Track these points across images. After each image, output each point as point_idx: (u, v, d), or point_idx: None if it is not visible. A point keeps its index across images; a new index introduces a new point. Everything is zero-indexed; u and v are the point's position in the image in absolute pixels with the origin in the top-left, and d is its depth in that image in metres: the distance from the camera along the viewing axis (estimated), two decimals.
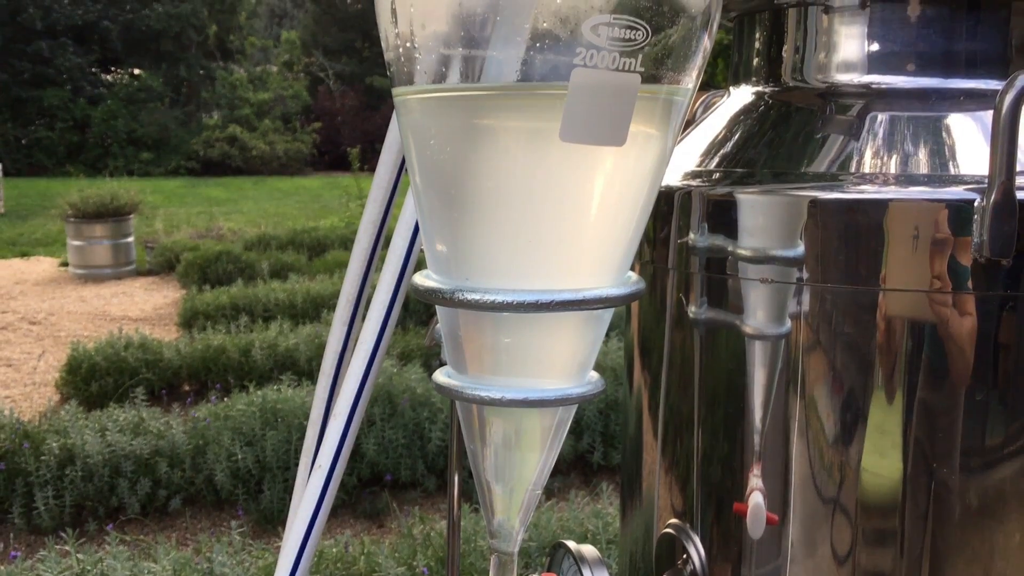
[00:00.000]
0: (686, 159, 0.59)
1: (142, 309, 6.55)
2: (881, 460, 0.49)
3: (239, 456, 3.22)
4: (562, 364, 0.38)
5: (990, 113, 0.45)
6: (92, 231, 7.74)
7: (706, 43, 0.34)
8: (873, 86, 0.53)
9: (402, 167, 0.55)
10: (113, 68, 22.11)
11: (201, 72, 22.46)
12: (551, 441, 0.40)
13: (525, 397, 0.37)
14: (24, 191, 14.17)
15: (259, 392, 3.54)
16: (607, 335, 0.40)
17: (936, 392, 0.47)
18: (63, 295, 7.07)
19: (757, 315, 0.51)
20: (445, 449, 3.38)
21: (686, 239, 0.55)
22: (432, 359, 4.12)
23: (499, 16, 0.31)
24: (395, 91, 0.36)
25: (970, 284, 0.46)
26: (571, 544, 0.59)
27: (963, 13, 0.52)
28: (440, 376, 0.39)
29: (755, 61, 0.60)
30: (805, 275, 0.49)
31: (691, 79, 0.34)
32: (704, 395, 0.55)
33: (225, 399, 3.72)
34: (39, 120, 19.53)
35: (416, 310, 5.07)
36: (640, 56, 0.31)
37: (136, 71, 21.88)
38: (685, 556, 0.56)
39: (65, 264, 8.16)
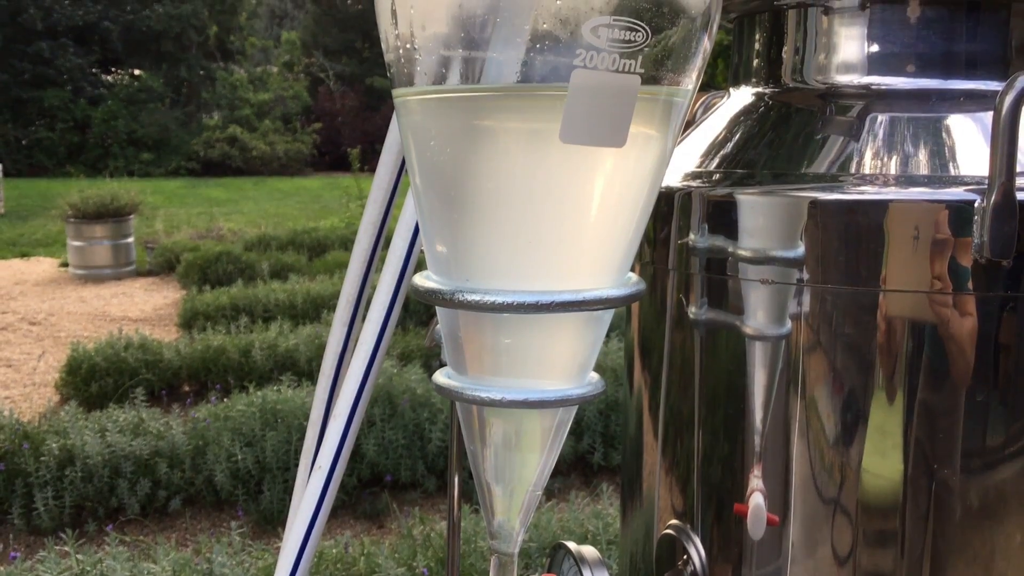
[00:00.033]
0: (686, 160, 0.59)
1: (142, 310, 6.55)
2: (882, 461, 0.49)
3: (239, 457, 3.22)
4: (562, 365, 0.38)
5: (990, 114, 0.45)
6: (92, 232, 7.74)
7: (706, 44, 0.34)
8: (873, 87, 0.53)
9: (402, 168, 0.55)
10: (113, 69, 22.12)
11: (201, 73, 22.47)
12: (551, 442, 0.40)
13: (525, 398, 0.37)
14: (24, 191, 14.18)
15: (259, 393, 3.54)
16: (607, 335, 0.40)
17: (937, 393, 0.47)
18: (63, 295, 7.07)
19: (757, 316, 0.51)
20: (445, 450, 3.38)
21: (686, 240, 0.55)
22: (432, 360, 4.12)
23: (499, 17, 0.31)
24: (395, 92, 0.36)
25: (970, 285, 0.46)
26: (571, 545, 0.59)
27: (963, 14, 0.52)
28: (440, 377, 0.39)
29: (755, 62, 0.60)
30: (805, 276, 0.49)
31: (691, 80, 0.34)
32: (704, 396, 0.55)
33: (225, 400, 3.72)
34: (39, 121, 19.53)
35: (416, 311, 5.07)
36: (640, 57, 0.31)
37: (136, 72, 21.89)
38: (685, 557, 0.56)
39: (65, 265, 8.16)
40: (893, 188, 0.48)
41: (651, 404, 0.61)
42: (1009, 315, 0.46)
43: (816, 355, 0.49)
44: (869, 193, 0.48)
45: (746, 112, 0.58)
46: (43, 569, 2.33)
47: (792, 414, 0.51)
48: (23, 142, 19.09)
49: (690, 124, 0.64)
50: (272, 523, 3.15)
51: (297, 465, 0.77)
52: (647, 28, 0.31)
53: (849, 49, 0.54)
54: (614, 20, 0.30)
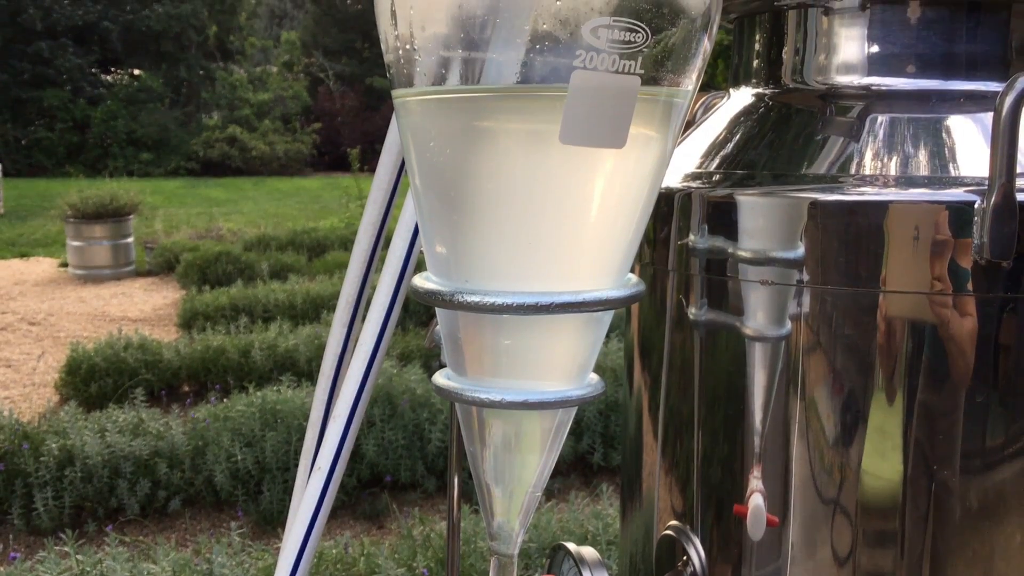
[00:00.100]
0: (686, 160, 0.59)
1: (141, 310, 6.55)
2: (881, 462, 0.49)
3: (239, 457, 3.21)
4: (562, 366, 0.38)
5: (990, 115, 0.45)
6: (92, 232, 7.74)
7: (706, 45, 0.34)
8: (873, 88, 0.53)
9: (402, 169, 0.55)
10: (113, 69, 22.12)
11: (201, 73, 22.47)
12: (551, 443, 0.40)
13: (525, 399, 0.37)
14: (24, 192, 14.17)
15: (259, 393, 3.54)
16: (607, 336, 0.40)
17: (936, 394, 0.47)
18: (63, 296, 7.07)
19: (757, 317, 0.51)
20: (445, 450, 3.38)
21: (686, 241, 0.55)
22: (432, 360, 4.12)
23: (499, 18, 0.31)
24: (395, 93, 0.36)
25: (970, 286, 0.46)
26: (571, 546, 0.59)
27: (963, 15, 0.52)
28: (440, 378, 0.39)
29: (755, 63, 0.60)
30: (805, 277, 0.49)
31: (691, 81, 0.34)
32: (704, 396, 0.55)
33: (225, 400, 3.72)
34: (39, 121, 19.53)
35: (416, 311, 5.07)
36: (640, 58, 0.31)
37: (136, 72, 21.89)
38: (685, 558, 0.56)
39: (65, 265, 8.16)
40: (893, 189, 0.48)
41: (651, 405, 0.61)
42: (1009, 316, 0.46)
43: (816, 356, 0.49)
44: (869, 194, 0.48)
45: (746, 113, 0.58)
46: (43, 569, 2.32)
47: (792, 415, 0.50)
48: (22, 142, 19.09)
49: (690, 125, 0.64)
50: (272, 523, 3.15)
51: (297, 465, 0.77)
52: (647, 29, 0.31)
53: (849, 50, 0.54)
54: (614, 21, 0.30)
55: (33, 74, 19.57)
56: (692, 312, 0.55)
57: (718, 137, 0.59)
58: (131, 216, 8.12)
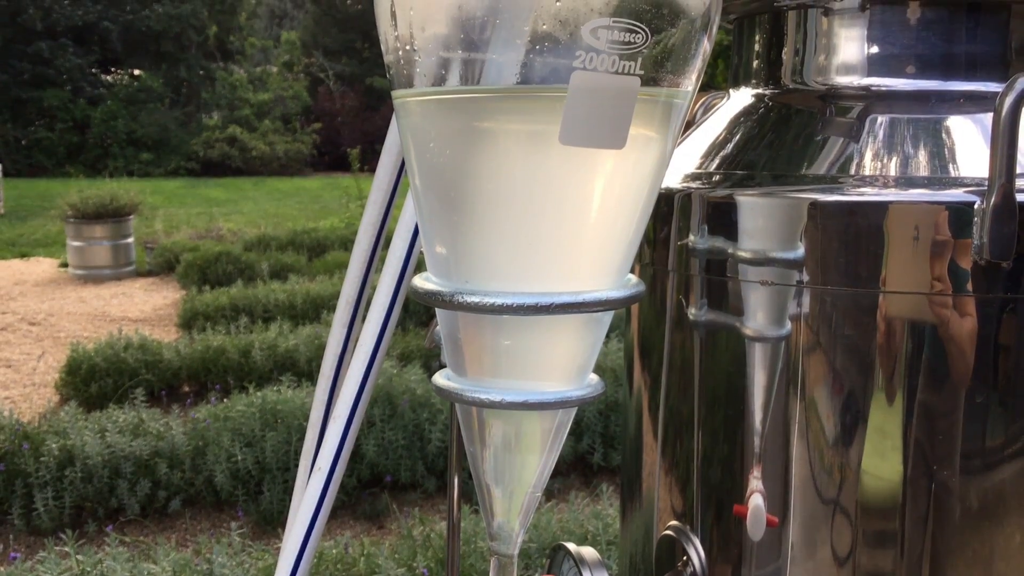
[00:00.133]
0: (686, 161, 0.59)
1: (142, 310, 6.55)
2: (881, 462, 0.49)
3: (239, 457, 3.21)
4: (562, 366, 0.38)
5: (990, 115, 0.45)
6: (92, 232, 7.74)
7: (706, 45, 0.34)
8: (873, 88, 0.53)
9: (402, 169, 0.55)
10: (113, 69, 22.13)
11: (201, 73, 22.47)
12: (551, 443, 0.40)
13: (525, 400, 0.37)
14: (24, 192, 14.17)
15: (259, 393, 3.54)
16: (607, 336, 0.40)
17: (936, 394, 0.47)
18: (63, 296, 7.07)
19: (757, 317, 0.51)
20: (445, 450, 3.38)
21: (686, 241, 0.55)
22: (432, 360, 4.12)
23: (498, 19, 0.31)
24: (395, 94, 0.36)
25: (970, 286, 0.46)
26: (571, 546, 0.59)
27: (963, 15, 0.52)
28: (440, 379, 0.39)
29: (755, 63, 0.60)
30: (805, 277, 0.49)
31: (691, 81, 0.34)
32: (704, 397, 0.55)
33: (225, 400, 3.72)
34: (39, 121, 19.54)
35: (416, 311, 5.07)
36: (640, 59, 0.31)
37: (136, 72, 21.90)
38: (685, 558, 0.56)
39: (65, 265, 8.16)
40: (893, 189, 0.48)
41: (651, 405, 0.61)
42: (1009, 316, 0.46)
43: (816, 356, 0.49)
44: (869, 194, 0.48)
45: (746, 113, 0.58)
46: (43, 569, 2.33)
47: (792, 415, 0.51)
48: (23, 142, 19.09)
49: (690, 125, 0.64)
50: (272, 524, 3.15)
51: (297, 466, 0.77)
52: (647, 29, 0.31)
53: (849, 50, 0.54)
54: (614, 22, 0.30)
55: (33, 74, 19.57)
56: (692, 312, 0.55)
57: (718, 137, 0.59)
58: (131, 216, 8.12)
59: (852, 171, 0.50)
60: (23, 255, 9.10)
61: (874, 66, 0.53)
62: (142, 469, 3.20)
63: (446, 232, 0.36)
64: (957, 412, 0.47)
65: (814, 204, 0.48)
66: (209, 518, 3.23)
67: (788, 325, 0.50)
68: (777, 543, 0.52)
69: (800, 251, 0.49)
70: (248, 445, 3.27)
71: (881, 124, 0.51)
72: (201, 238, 8.62)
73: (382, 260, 0.54)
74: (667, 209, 0.56)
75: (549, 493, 3.29)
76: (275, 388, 3.63)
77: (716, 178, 0.55)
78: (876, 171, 0.49)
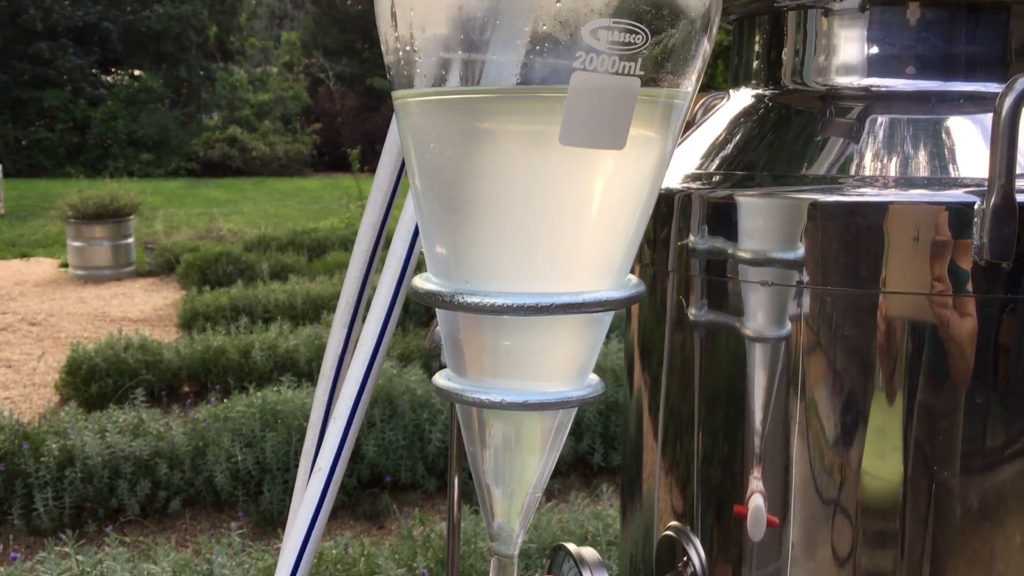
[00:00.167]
0: (686, 161, 0.59)
1: (142, 310, 6.55)
2: (882, 462, 0.49)
3: (239, 457, 3.21)
4: (562, 367, 0.38)
5: (990, 116, 0.45)
6: (92, 232, 7.74)
7: (706, 46, 0.34)
8: (873, 89, 0.53)
9: (402, 170, 0.55)
10: (113, 69, 22.13)
11: (201, 73, 22.47)
12: (551, 444, 0.40)
13: (525, 400, 0.37)
14: (24, 192, 14.17)
15: (259, 393, 3.54)
16: (607, 336, 0.40)
17: (936, 394, 0.47)
18: (63, 296, 7.07)
19: (757, 317, 0.51)
20: (445, 450, 3.38)
21: (686, 241, 0.55)
22: (432, 360, 4.12)
23: (499, 19, 0.31)
24: (395, 94, 0.36)
25: (970, 287, 0.46)
26: (571, 546, 0.59)
27: (962, 16, 0.52)
28: (440, 379, 0.39)
29: (755, 64, 0.60)
30: (805, 278, 0.49)
31: (691, 82, 0.34)
32: (704, 397, 0.55)
33: (225, 400, 3.72)
34: (39, 121, 19.54)
35: (416, 311, 5.07)
36: (640, 59, 0.31)
37: (136, 72, 21.91)
38: (685, 558, 0.56)
39: (65, 265, 8.16)
40: (893, 190, 0.48)
41: (651, 405, 0.61)
42: (1009, 317, 0.46)
43: (816, 357, 0.49)
44: (869, 195, 0.48)
45: (746, 114, 0.58)
46: (43, 570, 2.32)
47: (792, 416, 0.51)
48: (23, 142, 19.10)
49: (690, 125, 0.64)
50: (272, 524, 3.15)
51: (297, 466, 0.77)
52: (647, 30, 0.31)
53: (849, 51, 0.54)
54: (614, 22, 0.30)
55: (33, 75, 19.58)
56: (692, 313, 0.55)
57: (718, 138, 0.59)
58: (131, 217, 8.12)
59: (852, 171, 0.50)
60: (23, 255, 9.10)
61: (874, 67, 0.53)
62: (142, 469, 3.20)
63: (446, 232, 0.36)
64: (957, 412, 0.47)
65: (814, 204, 0.48)
66: (209, 518, 3.23)
67: (788, 325, 0.50)
68: (777, 543, 0.52)
69: (800, 251, 0.49)
70: (248, 445, 3.27)
71: (881, 124, 0.51)
72: (201, 238, 8.62)
73: (382, 260, 0.54)
74: (667, 209, 0.56)
75: (549, 493, 3.29)
76: (275, 388, 3.63)
77: (716, 178, 0.55)
78: (876, 171, 0.49)
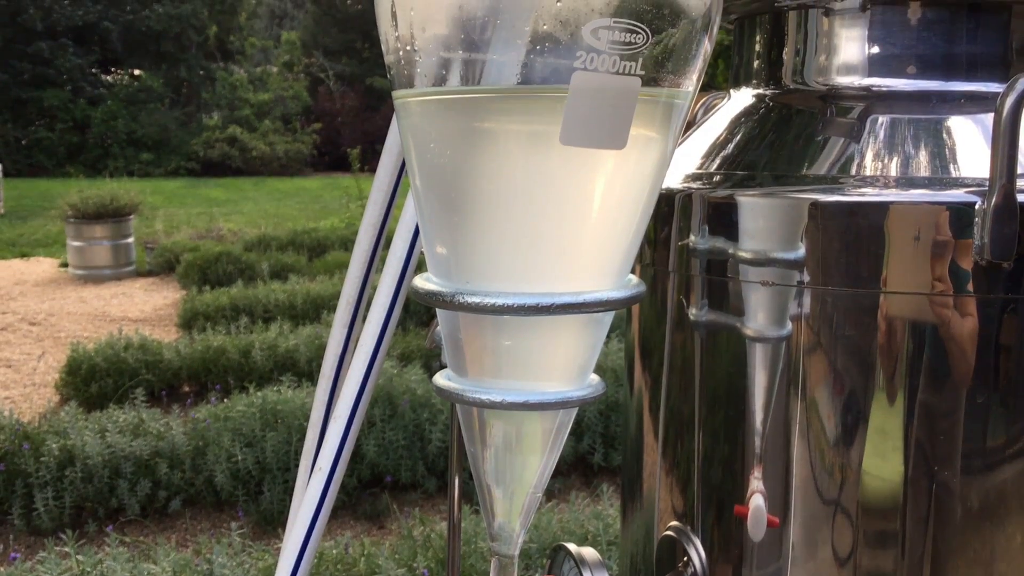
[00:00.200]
0: (687, 161, 0.59)
1: (142, 310, 6.55)
2: (882, 462, 0.49)
3: (239, 457, 3.21)
4: (562, 367, 0.38)
5: (991, 116, 0.45)
6: (92, 232, 7.74)
7: (706, 46, 0.34)
8: (874, 89, 0.53)
9: (402, 169, 0.55)
10: (113, 69, 22.14)
11: (201, 73, 22.48)
12: (552, 444, 0.40)
13: (525, 400, 0.37)
14: (24, 192, 14.18)
15: (259, 393, 3.54)
16: (608, 336, 0.40)
17: (937, 394, 0.47)
18: (63, 296, 7.07)
19: (758, 317, 0.51)
20: (445, 450, 3.38)
21: (687, 241, 0.55)
22: (433, 360, 4.12)
23: (499, 19, 0.31)
24: (395, 94, 0.36)
25: (971, 287, 0.46)
26: (571, 546, 0.59)
27: (963, 16, 0.52)
28: (440, 379, 0.39)
29: (755, 63, 0.60)
30: (806, 278, 0.49)
31: (691, 82, 0.34)
32: (705, 397, 0.55)
33: (225, 400, 3.72)
34: (39, 121, 19.54)
35: (416, 311, 5.07)
36: (640, 59, 0.31)
37: (136, 72, 21.91)
38: (686, 558, 0.56)
39: (65, 265, 8.16)
40: (894, 190, 0.48)
41: (651, 405, 0.61)
42: (1010, 317, 0.46)
43: (817, 357, 0.49)
44: (870, 195, 0.48)
45: (747, 113, 0.58)
46: (43, 570, 2.33)
47: (792, 416, 0.50)
48: (23, 142, 19.10)
49: (690, 125, 0.64)
50: (272, 524, 3.15)
51: (297, 466, 0.77)
52: (647, 30, 0.31)
53: (850, 51, 0.54)
54: (614, 22, 0.30)
55: (33, 74, 19.58)
56: (693, 313, 0.55)
57: (719, 138, 0.59)
58: (131, 216, 8.12)
59: (853, 171, 0.50)
60: (23, 255, 9.10)
61: (875, 66, 0.53)
62: (142, 469, 3.20)
63: (447, 232, 0.36)
64: (958, 412, 0.47)
65: (815, 204, 0.48)
66: (209, 518, 3.23)
67: (789, 325, 0.50)
68: (778, 544, 0.52)
69: (801, 251, 0.49)
70: (248, 445, 3.27)
71: (882, 124, 0.51)
72: (201, 238, 8.62)
73: (383, 260, 0.54)
74: (668, 209, 0.56)
75: (549, 493, 3.29)
76: (275, 388, 3.63)
77: (717, 178, 0.55)
78: (877, 171, 0.49)
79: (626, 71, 0.31)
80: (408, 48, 0.33)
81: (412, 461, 3.37)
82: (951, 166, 0.49)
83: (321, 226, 9.24)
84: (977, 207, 0.45)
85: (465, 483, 0.60)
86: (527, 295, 0.34)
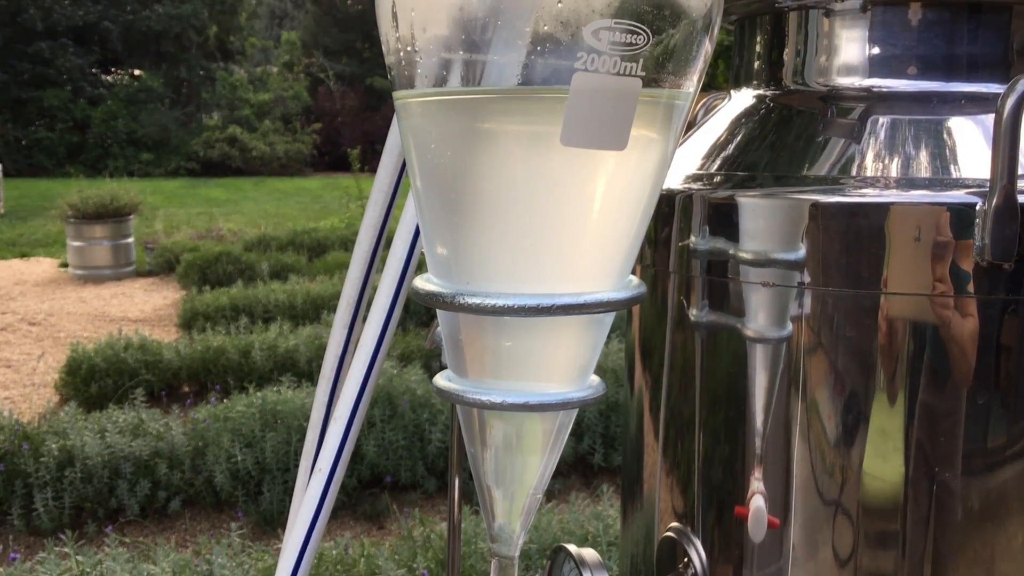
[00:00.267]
0: (687, 162, 0.59)
1: (142, 310, 6.55)
2: (883, 463, 0.49)
3: (239, 458, 3.21)
4: (563, 368, 0.38)
5: (991, 117, 0.45)
6: (92, 232, 7.74)
7: (707, 47, 0.34)
8: (874, 89, 0.53)
9: (403, 170, 0.55)
10: (113, 69, 22.14)
11: (201, 73, 22.48)
12: (552, 445, 0.40)
13: (526, 401, 0.37)
14: (24, 192, 14.18)
15: (259, 393, 3.54)
16: (608, 337, 0.40)
17: (938, 395, 0.47)
18: (63, 296, 7.07)
19: (758, 318, 0.51)
20: (445, 451, 3.38)
21: (687, 242, 0.55)
22: (433, 360, 4.12)
23: (500, 20, 0.31)
24: (396, 94, 0.36)
25: (972, 288, 0.46)
26: (571, 547, 0.59)
27: (964, 17, 0.52)
28: (440, 380, 0.39)
29: (756, 64, 0.60)
30: (806, 278, 0.49)
31: (692, 83, 0.34)
32: (705, 398, 0.55)
33: (225, 400, 3.72)
34: (39, 121, 19.55)
35: (417, 311, 5.07)
36: (641, 60, 0.31)
37: (136, 72, 21.91)
38: (686, 559, 0.56)
39: (65, 265, 8.16)
40: (894, 191, 0.48)
41: (652, 406, 0.61)
42: (1010, 318, 0.46)
43: (817, 357, 0.49)
44: (870, 195, 0.48)
45: (747, 114, 0.58)
46: (43, 570, 2.32)
47: (793, 416, 0.50)
48: (23, 142, 19.10)
49: (691, 126, 0.64)
50: (272, 524, 3.15)
51: (297, 466, 0.77)
52: (648, 31, 0.31)
53: (850, 51, 0.54)
54: (615, 23, 0.30)
55: (33, 74, 19.59)
56: (693, 313, 0.55)
57: (719, 138, 0.58)
58: (131, 216, 8.12)
59: (853, 172, 0.50)
60: (23, 255, 9.10)
61: (875, 67, 0.53)
62: (142, 469, 3.20)
63: (447, 233, 0.36)
64: (959, 413, 0.47)
65: (815, 205, 0.48)
66: (209, 519, 3.23)
67: (789, 326, 0.50)
68: (778, 544, 0.52)
69: (801, 252, 0.49)
70: (248, 446, 3.27)
71: (882, 125, 0.51)
72: (201, 238, 8.62)
73: (383, 261, 0.54)
74: (668, 210, 0.56)
75: (550, 494, 3.29)
76: (275, 388, 3.63)
77: (717, 179, 0.55)
78: (877, 172, 0.49)
79: (627, 72, 0.31)
80: (409, 49, 0.33)
81: (412, 461, 3.37)
82: (952, 167, 0.49)
83: (321, 226, 9.25)
84: (978, 208, 0.45)
85: (465, 483, 0.60)
86: (528, 296, 0.34)
